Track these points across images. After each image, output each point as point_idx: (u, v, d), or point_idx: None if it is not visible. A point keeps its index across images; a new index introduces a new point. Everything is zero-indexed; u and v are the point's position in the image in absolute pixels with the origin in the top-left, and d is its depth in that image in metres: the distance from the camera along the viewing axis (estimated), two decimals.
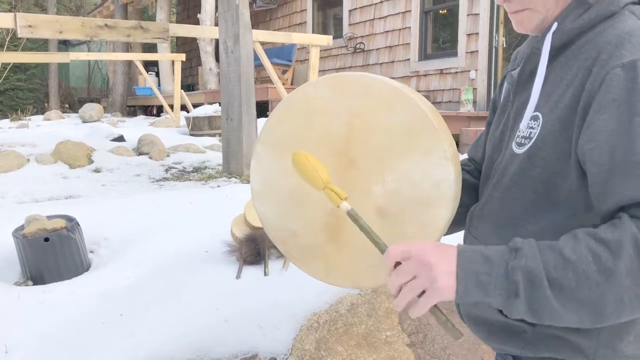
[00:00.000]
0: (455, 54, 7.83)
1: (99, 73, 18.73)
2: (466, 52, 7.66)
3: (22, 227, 2.66)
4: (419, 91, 7.32)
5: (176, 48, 15.47)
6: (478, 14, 7.45)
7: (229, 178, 4.61)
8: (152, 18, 15.09)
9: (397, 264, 0.95)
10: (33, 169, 4.76)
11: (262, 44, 6.16)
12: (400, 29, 8.74)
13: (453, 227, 1.19)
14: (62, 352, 1.97)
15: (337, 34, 9.67)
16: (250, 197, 2.65)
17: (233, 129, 4.72)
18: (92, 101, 13.26)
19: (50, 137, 5.91)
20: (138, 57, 10.37)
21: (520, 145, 1.07)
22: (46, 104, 15.74)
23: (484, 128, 1.38)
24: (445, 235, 1.16)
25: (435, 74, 8.12)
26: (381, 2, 9.07)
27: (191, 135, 7.22)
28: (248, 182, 4.42)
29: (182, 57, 9.08)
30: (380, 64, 9.06)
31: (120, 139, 6.21)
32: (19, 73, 16.17)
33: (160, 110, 12.87)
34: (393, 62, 8.82)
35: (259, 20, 11.76)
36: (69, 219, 2.71)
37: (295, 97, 1.22)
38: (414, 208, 1.10)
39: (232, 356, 1.99)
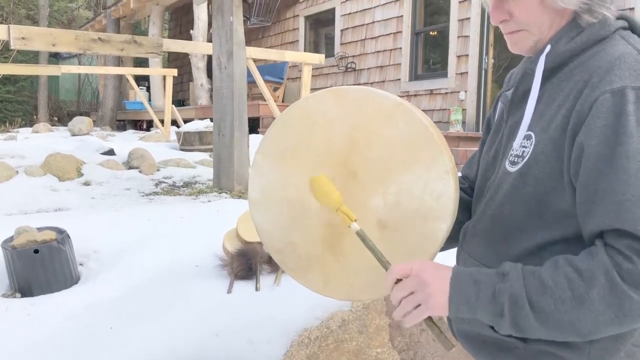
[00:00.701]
0: (445, 75, 7.92)
1: (89, 87, 18.68)
2: (456, 73, 7.76)
3: (11, 239, 2.64)
4: None
5: (167, 63, 15.50)
6: (468, 36, 7.57)
7: (220, 193, 4.61)
8: (145, 33, 15.15)
9: (398, 280, 1.04)
10: (22, 181, 4.73)
11: (255, 60, 6.20)
12: (391, 50, 8.84)
13: (447, 244, 1.21)
14: None
15: (329, 53, 9.75)
16: (242, 212, 2.66)
17: (225, 145, 4.73)
18: (81, 115, 13.19)
19: (39, 149, 5.88)
20: (130, 71, 10.38)
21: (513, 163, 1.09)
22: (35, 117, 15.65)
23: (473, 148, 1.41)
24: (440, 251, 1.18)
25: (425, 94, 8.21)
26: (373, 22, 9.18)
27: (182, 150, 7.21)
28: (239, 197, 4.42)
29: (174, 72, 9.10)
30: (371, 83, 9.14)
31: (111, 152, 6.19)
32: (9, 85, 16.08)
33: (150, 124, 12.85)
34: (384, 81, 8.91)
35: (252, 37, 11.84)
36: (60, 231, 2.69)
37: (296, 109, 1.24)
38: (415, 220, 1.12)
39: None
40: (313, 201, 1.19)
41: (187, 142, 7.22)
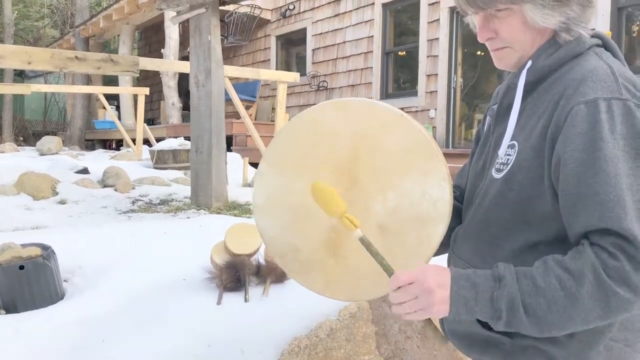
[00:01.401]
0: (415, 94, 8.13)
1: (56, 106, 18.42)
2: (426, 92, 7.97)
3: None
4: None
5: (137, 82, 15.42)
6: (437, 56, 7.79)
7: (198, 210, 4.63)
8: (115, 52, 15.04)
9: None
10: None
11: (230, 79, 6.27)
12: (362, 69, 9.03)
13: (439, 249, 1.29)
14: None
15: (301, 72, 9.86)
16: (227, 226, 2.71)
17: (202, 162, 4.77)
18: (47, 134, 13.02)
19: (9, 168, 5.78)
20: (101, 90, 10.31)
21: (498, 170, 1.18)
22: (0, 137, 15.35)
23: None
24: (433, 256, 1.26)
25: None
26: (344, 42, 9.37)
27: (155, 168, 7.20)
28: (217, 213, 4.45)
29: (146, 90, 9.10)
30: None
31: (85, 171, 6.15)
32: None
33: (119, 144, 12.74)
34: None
35: (224, 56, 11.88)
36: (44, 247, 2.69)
37: (301, 119, 1.31)
38: (413, 224, 1.20)
39: None
40: (316, 207, 1.26)
41: (161, 160, 7.21)
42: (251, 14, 10.57)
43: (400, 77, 9.04)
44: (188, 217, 4.27)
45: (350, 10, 9.22)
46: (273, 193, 1.34)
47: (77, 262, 2.91)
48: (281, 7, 10.82)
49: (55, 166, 6.26)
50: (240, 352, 2.11)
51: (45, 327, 2.30)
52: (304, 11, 10.29)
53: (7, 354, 2.10)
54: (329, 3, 9.66)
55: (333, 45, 9.63)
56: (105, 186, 5.61)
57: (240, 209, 4.68)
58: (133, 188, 5.57)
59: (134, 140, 9.21)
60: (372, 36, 8.84)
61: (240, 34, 10.71)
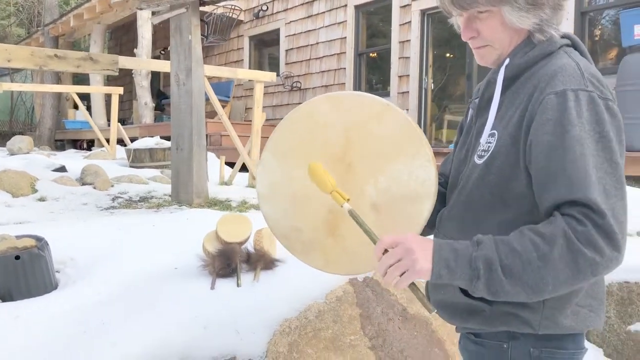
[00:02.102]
0: (387, 94, 8.33)
1: (23, 106, 18.10)
2: (398, 93, 8.18)
3: None
4: None
5: (107, 82, 15.29)
6: (409, 57, 8.01)
7: (180, 206, 4.72)
8: (86, 51, 14.87)
9: (385, 251, 1.21)
10: None
11: (208, 78, 6.34)
12: (335, 69, 9.20)
13: (426, 230, 1.43)
14: None
15: (274, 72, 10.02)
16: (221, 216, 2.83)
17: (183, 159, 4.86)
18: (14, 134, 12.81)
19: None
20: (74, 89, 10.23)
21: (480, 157, 1.34)
22: None
23: None
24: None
25: None
26: (317, 43, 9.53)
27: (132, 167, 7.22)
28: (200, 209, 4.54)
29: (120, 90, 9.08)
30: None
31: (62, 169, 6.15)
32: None
33: (90, 144, 12.63)
34: None
35: None
36: (38, 238, 2.76)
37: (297, 113, 1.46)
38: (403, 203, 1.36)
39: (213, 359, 2.15)
40: (316, 191, 1.40)
41: (138, 159, 7.25)
42: (230, 15, 10.67)
43: (372, 78, 9.25)
44: (171, 212, 4.36)
45: (323, 12, 9.38)
46: (275, 180, 1.48)
47: (68, 254, 2.99)
48: (254, 7, 10.93)
49: (31, 164, 6.25)
50: (235, 333, 2.24)
51: (43, 314, 2.39)
52: (277, 12, 10.41)
53: (8, 340, 2.19)
54: (302, 4, 9.81)
55: (306, 46, 9.78)
56: (84, 184, 5.64)
57: (221, 205, 4.78)
58: (112, 186, 5.61)
59: (107, 140, 9.18)
60: (345, 37, 9.02)
61: (219, 34, 10.78)
